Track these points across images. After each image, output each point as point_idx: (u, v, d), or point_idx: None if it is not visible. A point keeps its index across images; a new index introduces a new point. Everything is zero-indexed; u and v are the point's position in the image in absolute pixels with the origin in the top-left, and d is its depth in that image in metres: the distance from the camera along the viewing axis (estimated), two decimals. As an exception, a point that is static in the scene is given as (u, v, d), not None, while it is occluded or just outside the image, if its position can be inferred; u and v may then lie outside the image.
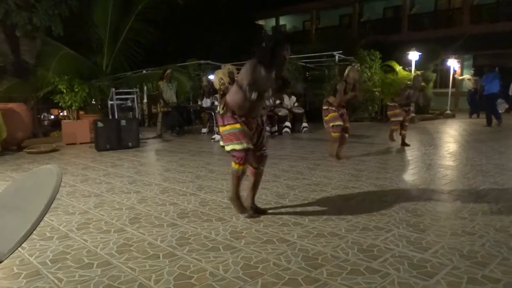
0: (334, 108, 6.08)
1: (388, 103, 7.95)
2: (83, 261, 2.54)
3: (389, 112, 7.78)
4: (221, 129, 3.41)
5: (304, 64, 13.86)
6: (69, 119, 9.15)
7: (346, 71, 6.26)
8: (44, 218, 3.25)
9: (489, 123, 11.23)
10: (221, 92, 9.24)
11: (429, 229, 3.03)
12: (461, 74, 17.27)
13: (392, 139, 7.77)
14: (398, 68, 14.86)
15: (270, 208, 3.64)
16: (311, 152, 7.03)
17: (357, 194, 4.10)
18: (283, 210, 3.58)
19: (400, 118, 7.48)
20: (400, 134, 7.53)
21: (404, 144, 7.47)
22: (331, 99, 6.17)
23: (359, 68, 7.40)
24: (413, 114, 8.80)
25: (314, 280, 2.25)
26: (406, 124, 7.52)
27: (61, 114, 12.31)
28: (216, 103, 9.26)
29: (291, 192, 4.23)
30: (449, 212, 3.49)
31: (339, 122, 6.06)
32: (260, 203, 3.81)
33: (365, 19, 23.07)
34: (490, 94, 11.42)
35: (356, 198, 3.96)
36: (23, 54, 10.19)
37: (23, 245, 2.67)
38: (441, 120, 13.96)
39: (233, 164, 3.36)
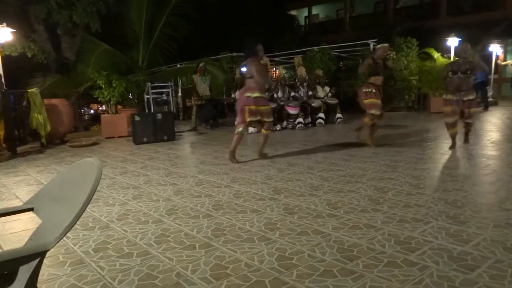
0: (375, 91, 6.09)
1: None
2: (123, 251, 2.64)
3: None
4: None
5: (337, 53, 13.62)
6: (108, 113, 9.45)
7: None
8: (87, 209, 3.40)
9: None
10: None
11: (470, 221, 2.92)
12: (504, 60, 16.42)
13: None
14: (437, 55, 14.32)
15: (304, 200, 3.63)
16: (345, 143, 6.93)
17: (394, 185, 4.02)
18: (317, 201, 3.56)
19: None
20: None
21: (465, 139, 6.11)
22: (371, 79, 6.21)
23: (389, 49, 6.73)
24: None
25: (350, 272, 2.23)
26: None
27: (100, 108, 12.73)
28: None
29: (325, 183, 4.19)
30: (492, 204, 3.36)
31: (377, 112, 5.97)
32: (294, 194, 3.81)
33: (401, 5, 22.31)
34: None
35: (392, 189, 3.87)
36: (64, 51, 10.60)
37: (67, 234, 2.81)
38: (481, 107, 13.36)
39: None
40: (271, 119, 5.64)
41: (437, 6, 20.45)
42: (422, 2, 21.77)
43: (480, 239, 2.60)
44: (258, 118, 5.43)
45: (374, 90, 6.14)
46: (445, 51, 14.18)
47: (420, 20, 18.90)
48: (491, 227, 2.80)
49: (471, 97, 5.60)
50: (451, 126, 5.83)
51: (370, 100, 6.12)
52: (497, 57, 15.58)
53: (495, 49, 15.02)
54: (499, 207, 3.24)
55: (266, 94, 9.13)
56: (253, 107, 5.33)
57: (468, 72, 5.54)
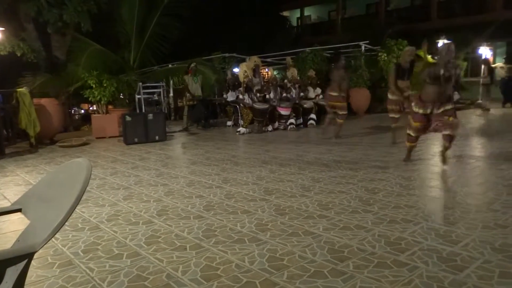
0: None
1: None
2: (113, 252, 2.61)
3: None
4: None
5: (329, 55, 13.68)
6: (98, 113, 9.38)
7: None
8: (76, 209, 3.36)
9: None
10: (245, 85, 9.26)
11: (459, 222, 2.95)
12: (494, 62, 16.62)
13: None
14: (428, 57, 14.43)
15: (296, 201, 3.63)
16: (337, 144, 6.96)
17: (384, 186, 4.04)
18: (308, 202, 3.57)
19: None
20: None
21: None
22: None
23: (412, 49, 6.46)
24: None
25: (340, 273, 2.24)
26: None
27: (90, 108, 12.63)
28: (241, 96, 9.28)
29: (316, 184, 4.20)
30: (480, 205, 3.39)
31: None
32: (285, 195, 3.82)
33: (392, 8, 22.48)
34: None
35: (383, 190, 3.90)
36: (55, 50, 10.48)
37: (56, 235, 2.77)
38: (472, 110, 13.51)
39: None
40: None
41: (428, 9, 20.64)
42: (413, 4, 21.96)
43: (469, 239, 2.63)
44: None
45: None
46: (436, 53, 14.30)
47: (411, 22, 19.06)
48: (480, 228, 2.83)
49: (448, 107, 4.62)
50: (414, 139, 5.07)
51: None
52: (487, 59, 15.76)
53: (485, 51, 15.20)
54: (487, 208, 3.27)
55: (258, 95, 9.18)
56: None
57: (451, 79, 4.61)
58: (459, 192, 3.79)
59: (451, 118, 4.59)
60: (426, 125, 4.85)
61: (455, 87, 5.00)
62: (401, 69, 6.17)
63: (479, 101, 14.30)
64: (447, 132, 4.65)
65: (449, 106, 4.62)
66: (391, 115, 6.47)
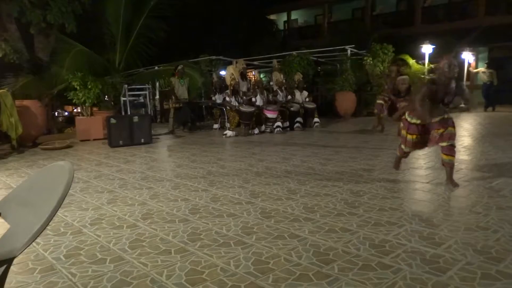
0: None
1: None
2: (96, 257, 2.57)
3: None
4: None
5: (315, 58, 13.77)
6: (83, 115, 9.25)
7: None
8: (58, 213, 3.30)
9: None
10: (232, 88, 9.25)
11: (443, 224, 2.99)
12: (476, 67, 16.95)
13: None
14: (412, 61, 14.65)
15: (282, 204, 3.63)
16: (323, 147, 7.00)
17: (369, 189, 4.07)
18: (294, 205, 3.57)
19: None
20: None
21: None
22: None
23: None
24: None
25: (325, 275, 2.24)
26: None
27: (75, 110, 12.47)
28: (227, 99, 9.27)
29: (302, 187, 4.21)
30: (463, 207, 3.44)
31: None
32: (271, 198, 3.82)
33: (378, 12, 22.77)
34: None
35: (368, 193, 3.92)
36: (38, 51, 10.31)
37: (37, 240, 2.73)
38: (455, 113, 13.74)
39: None
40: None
41: (412, 14, 20.96)
42: (398, 9, 22.27)
43: (452, 241, 2.66)
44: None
45: None
46: (420, 58, 14.53)
47: (396, 27, 19.34)
48: (462, 230, 2.87)
49: (445, 116, 4.12)
50: (403, 153, 4.55)
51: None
52: (469, 64, 16.08)
53: (467, 56, 15.49)
54: (470, 211, 3.32)
55: (244, 98, 9.19)
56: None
57: (450, 105, 4.13)
58: (442, 194, 3.84)
59: (451, 128, 4.09)
60: (423, 139, 4.26)
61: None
62: (398, 90, 6.27)
63: (462, 105, 14.54)
64: (445, 143, 4.08)
65: (447, 115, 4.12)
66: (379, 101, 6.53)
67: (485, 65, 15.17)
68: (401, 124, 4.52)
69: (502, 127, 9.54)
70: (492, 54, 17.90)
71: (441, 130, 4.08)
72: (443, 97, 4.02)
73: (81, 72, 8.93)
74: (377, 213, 3.29)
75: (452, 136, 4.09)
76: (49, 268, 2.43)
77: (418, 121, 4.18)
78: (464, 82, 15.02)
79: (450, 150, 4.09)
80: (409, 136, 4.28)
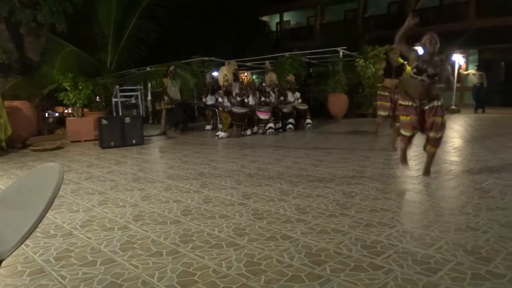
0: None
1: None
2: (87, 259, 2.55)
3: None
4: None
5: (308, 60, 13.81)
6: (74, 116, 9.17)
7: None
8: (48, 215, 3.27)
9: None
10: (224, 89, 9.24)
11: (433, 225, 3.01)
12: (466, 69, 17.13)
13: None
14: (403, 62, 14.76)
15: (274, 205, 3.63)
16: (315, 148, 7.01)
17: (361, 190, 4.09)
18: (286, 206, 3.58)
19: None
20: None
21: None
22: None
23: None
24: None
25: (317, 276, 2.25)
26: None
27: (65, 111, 12.36)
28: (220, 100, 9.25)
29: (294, 188, 4.22)
30: (454, 208, 3.47)
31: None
32: (263, 199, 3.81)
33: (370, 14, 22.91)
34: None
35: (360, 194, 3.94)
36: (28, 51, 10.20)
37: (27, 242, 2.69)
38: (446, 115, 13.87)
39: None
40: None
41: (404, 16, 21.05)
42: (390, 12, 22.43)
43: (443, 242, 2.68)
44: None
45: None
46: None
47: (387, 29, 19.44)
48: (453, 231, 2.89)
49: (436, 103, 4.27)
50: (407, 140, 4.49)
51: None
52: (460, 66, 16.24)
53: (458, 58, 15.65)
54: (460, 211, 3.35)
55: (238, 99, 9.18)
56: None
57: (435, 78, 4.21)
58: (433, 195, 3.87)
59: (439, 118, 4.23)
60: (419, 120, 4.31)
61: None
62: (390, 68, 6.25)
63: (453, 107, 14.71)
64: (433, 134, 4.24)
65: (437, 103, 4.26)
66: (380, 111, 6.55)
67: (475, 67, 15.35)
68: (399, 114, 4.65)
69: (492, 128, 9.64)
70: (482, 56, 18.11)
71: (431, 119, 4.25)
72: (426, 68, 4.18)
73: (72, 73, 8.86)
74: (369, 214, 3.30)
75: (441, 128, 4.26)
76: (39, 270, 2.40)
77: (410, 103, 4.34)
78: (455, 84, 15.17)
79: (435, 141, 4.31)
80: (405, 118, 4.39)
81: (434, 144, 4.35)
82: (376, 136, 6.61)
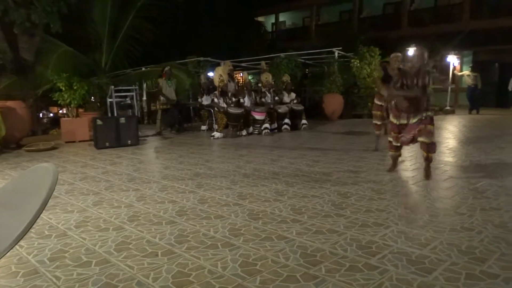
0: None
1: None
2: (81, 259, 2.54)
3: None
4: None
5: (303, 60, 13.83)
6: (68, 117, 9.12)
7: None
8: (43, 216, 3.25)
9: None
10: (220, 89, 9.24)
11: (428, 225, 3.02)
12: (461, 70, 17.22)
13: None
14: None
15: (269, 205, 3.63)
16: (310, 149, 7.02)
17: (356, 190, 4.10)
18: (282, 207, 3.58)
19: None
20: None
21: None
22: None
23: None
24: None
25: (313, 277, 2.25)
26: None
27: (60, 112, 12.29)
28: (215, 100, 9.24)
29: (290, 189, 4.22)
30: (448, 208, 3.49)
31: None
32: (259, 200, 3.81)
33: (365, 15, 22.99)
34: None
35: (355, 194, 3.95)
36: (22, 51, 10.14)
37: (21, 243, 2.68)
38: (440, 116, 13.94)
39: None
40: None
41: (399, 17, 21.23)
42: (385, 13, 22.52)
43: (437, 242, 2.70)
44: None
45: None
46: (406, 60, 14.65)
47: (383, 30, 19.54)
48: (447, 231, 2.90)
49: (423, 116, 4.37)
50: (394, 149, 4.81)
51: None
52: (454, 67, 16.32)
53: (452, 60, 15.73)
54: (454, 212, 3.37)
55: (233, 99, 9.18)
56: None
57: (425, 88, 4.32)
58: (428, 196, 3.89)
59: (428, 126, 4.33)
60: (403, 136, 4.54)
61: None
62: (388, 76, 6.17)
63: (447, 108, 14.79)
64: (421, 139, 4.37)
65: (425, 114, 4.36)
66: (375, 121, 6.55)
67: (470, 68, 15.43)
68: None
69: (486, 129, 9.70)
70: (477, 58, 18.22)
71: (419, 127, 4.38)
72: (414, 82, 4.34)
73: (67, 73, 8.82)
74: (364, 214, 3.31)
75: (427, 133, 4.34)
76: (33, 271, 2.39)
77: (394, 121, 4.62)
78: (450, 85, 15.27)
79: (427, 147, 4.40)
80: (392, 133, 4.64)
81: (427, 150, 4.42)
82: (377, 149, 6.55)
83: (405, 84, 4.41)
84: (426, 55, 4.40)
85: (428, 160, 4.49)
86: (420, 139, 4.40)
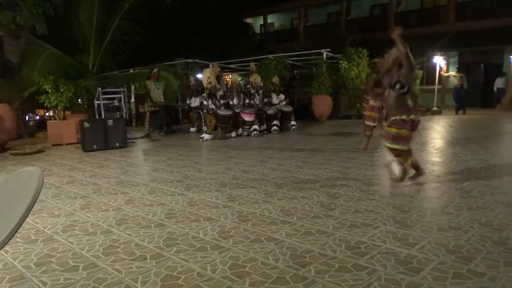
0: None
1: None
2: (68, 264, 2.50)
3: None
4: None
5: (292, 62, 13.88)
6: (55, 119, 9.01)
7: None
8: (29, 220, 3.21)
9: None
10: (208, 91, 9.22)
11: (416, 225, 3.05)
12: (447, 71, 17.45)
13: None
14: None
15: (259, 207, 3.63)
16: (300, 150, 7.04)
17: (345, 191, 4.12)
18: (271, 208, 3.58)
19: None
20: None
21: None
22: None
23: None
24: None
25: (302, 278, 2.25)
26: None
27: (46, 114, 12.13)
28: (204, 102, 9.22)
29: (279, 190, 4.23)
30: (435, 208, 3.53)
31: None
32: (248, 201, 3.81)
33: (352, 17, 23.16)
34: None
35: (344, 195, 3.97)
36: (7, 53, 10.00)
37: (6, 248, 2.64)
38: (427, 116, 14.10)
39: None
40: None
41: (386, 19, 21.41)
42: (372, 14, 22.71)
43: (425, 242, 2.72)
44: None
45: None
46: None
47: (370, 32, 19.71)
48: (435, 231, 2.94)
49: (407, 117, 4.19)
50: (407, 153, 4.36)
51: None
52: (441, 68, 16.53)
53: (439, 61, 15.93)
54: (442, 211, 3.41)
55: (222, 101, 9.16)
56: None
57: (396, 87, 4.16)
58: (415, 196, 3.92)
59: (403, 131, 4.17)
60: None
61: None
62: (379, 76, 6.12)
63: (434, 108, 14.97)
64: (387, 144, 4.25)
65: (405, 116, 4.15)
66: (367, 122, 6.59)
67: (456, 69, 15.64)
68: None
69: (472, 129, 9.84)
70: (462, 59, 18.48)
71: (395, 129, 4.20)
72: (393, 82, 4.22)
73: (53, 75, 8.72)
74: (353, 215, 3.33)
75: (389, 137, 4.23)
76: (19, 277, 2.35)
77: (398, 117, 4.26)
78: (436, 86, 15.45)
79: (393, 151, 4.31)
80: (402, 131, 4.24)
81: (394, 153, 4.34)
82: (365, 149, 6.53)
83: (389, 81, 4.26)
84: (403, 48, 4.29)
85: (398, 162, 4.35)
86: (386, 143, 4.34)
